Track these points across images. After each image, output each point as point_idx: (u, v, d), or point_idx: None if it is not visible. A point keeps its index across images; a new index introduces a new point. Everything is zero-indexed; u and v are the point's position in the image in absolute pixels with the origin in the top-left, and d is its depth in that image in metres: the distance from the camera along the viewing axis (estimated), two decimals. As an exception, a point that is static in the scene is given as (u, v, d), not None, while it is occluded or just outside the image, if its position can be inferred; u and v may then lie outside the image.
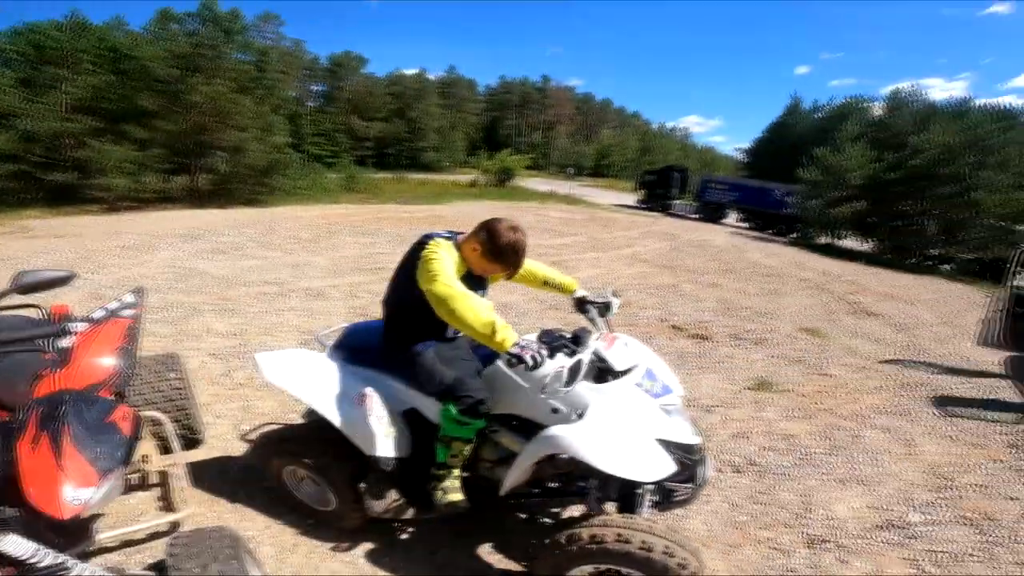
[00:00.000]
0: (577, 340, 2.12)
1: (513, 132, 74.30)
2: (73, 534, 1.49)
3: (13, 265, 6.29)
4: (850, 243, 22.33)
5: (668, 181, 30.84)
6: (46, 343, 2.02)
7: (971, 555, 2.78)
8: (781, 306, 8.14)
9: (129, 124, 14.61)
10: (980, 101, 34.63)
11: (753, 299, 8.37)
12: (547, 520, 2.53)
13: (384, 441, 2.07)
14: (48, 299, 2.29)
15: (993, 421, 4.67)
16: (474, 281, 2.18)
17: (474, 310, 1.82)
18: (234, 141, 15.85)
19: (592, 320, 2.56)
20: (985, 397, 5.31)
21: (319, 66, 56.77)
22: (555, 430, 1.93)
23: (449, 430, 2.06)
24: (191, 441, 2.79)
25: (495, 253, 2.10)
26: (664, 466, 1.92)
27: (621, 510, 2.11)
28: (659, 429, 2.06)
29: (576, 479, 2.24)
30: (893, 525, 2.97)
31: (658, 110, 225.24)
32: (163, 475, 2.56)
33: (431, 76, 68.10)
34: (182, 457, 2.42)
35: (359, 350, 2.42)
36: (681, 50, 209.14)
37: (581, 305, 2.64)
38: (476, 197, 23.37)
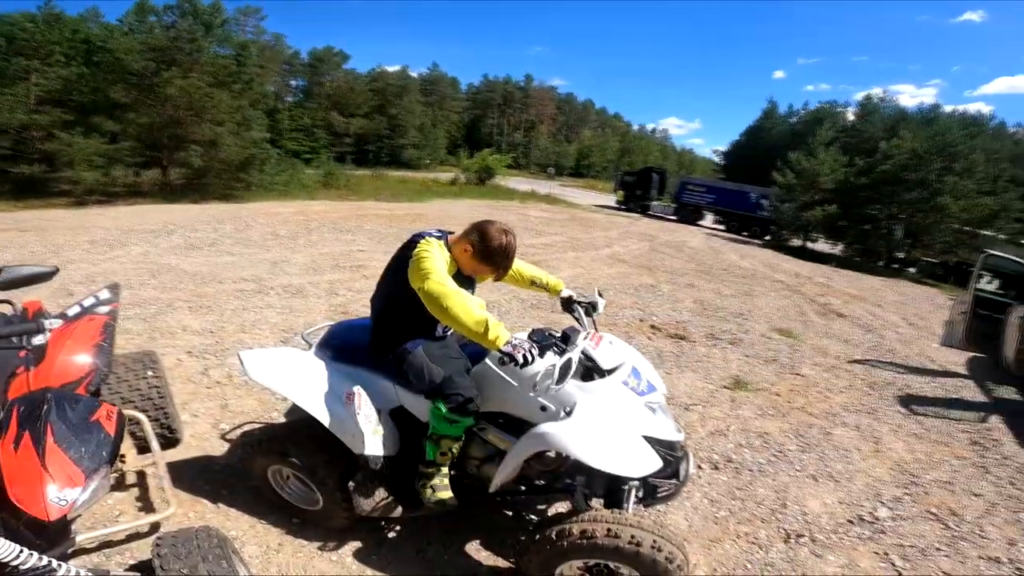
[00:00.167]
0: (566, 339, 2.15)
1: (494, 131, 74.26)
2: (53, 535, 1.46)
3: (-25, 259, 6.04)
4: (821, 246, 22.97)
5: (647, 182, 31.24)
6: (20, 340, 1.96)
7: (938, 549, 2.90)
8: (755, 307, 8.34)
9: (100, 117, 14.26)
10: (948, 108, 36.09)
11: (729, 300, 8.55)
12: (533, 517, 2.56)
13: (372, 440, 2.06)
14: (19, 295, 2.22)
15: (956, 420, 4.88)
16: (463, 281, 2.19)
17: (467, 308, 1.83)
18: (210, 135, 15.52)
19: (578, 319, 2.60)
20: (949, 396, 5.54)
21: (299, 61, 55.81)
22: (545, 427, 1.96)
23: (438, 428, 2.07)
24: (169, 440, 2.73)
25: (486, 255, 2.12)
26: (650, 462, 1.97)
27: (607, 506, 2.15)
28: (645, 426, 2.11)
29: (563, 476, 2.27)
30: (863, 520, 3.08)
31: (638, 111, 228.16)
32: (141, 475, 2.50)
33: (413, 73, 67.66)
34: (161, 457, 2.36)
35: (345, 348, 2.41)
36: (662, 52, 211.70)
37: (568, 305, 2.68)
38: (456, 195, 23.31)
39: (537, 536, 1.96)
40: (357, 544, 2.32)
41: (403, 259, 2.08)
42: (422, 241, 2.08)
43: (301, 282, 6.56)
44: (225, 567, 1.44)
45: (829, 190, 21.86)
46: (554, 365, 1.94)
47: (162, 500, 2.35)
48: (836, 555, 2.74)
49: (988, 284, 6.57)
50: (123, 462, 2.33)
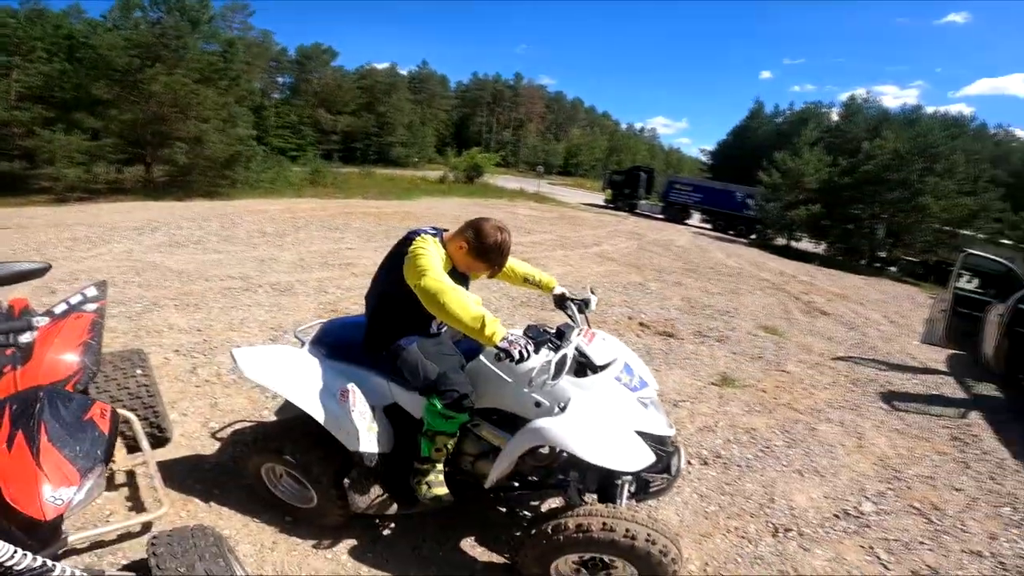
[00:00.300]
0: (561, 335, 2.17)
1: (483, 129, 74.09)
2: (45, 535, 1.44)
3: (-47, 256, 5.89)
4: (805, 245, 23.29)
5: (635, 181, 31.40)
6: (8, 338, 1.93)
7: (921, 543, 2.97)
8: (741, 305, 8.44)
9: (81, 113, 14.03)
10: (930, 109, 36.75)
11: (715, 298, 8.65)
12: (527, 513, 2.58)
13: (367, 437, 2.06)
14: (4, 293, 2.19)
15: (937, 415, 4.99)
16: (457, 278, 2.21)
17: (464, 305, 1.84)
18: (195, 132, 15.32)
19: (571, 316, 2.62)
20: (929, 393, 5.67)
21: (287, 58, 55.22)
22: (541, 422, 1.97)
23: (433, 424, 2.08)
24: (159, 440, 2.70)
25: (481, 252, 2.14)
26: (643, 456, 1.99)
27: (601, 501, 2.18)
28: (637, 421, 2.14)
29: (556, 472, 2.29)
30: (849, 514, 3.14)
31: (627, 110, 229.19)
32: (130, 475, 2.47)
33: (403, 71, 67.29)
34: (151, 456, 2.34)
35: (339, 346, 2.41)
36: (651, 52, 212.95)
37: (561, 302, 2.70)
38: (445, 194, 23.24)
39: (533, 531, 1.98)
40: (352, 542, 2.31)
41: (398, 256, 2.09)
42: (417, 238, 2.08)
43: (289, 280, 6.51)
44: (222, 565, 1.43)
45: (813, 190, 22.16)
46: (549, 361, 1.96)
47: (153, 500, 2.33)
48: (823, 549, 2.80)
49: (968, 283, 6.71)
50: (113, 461, 2.30)
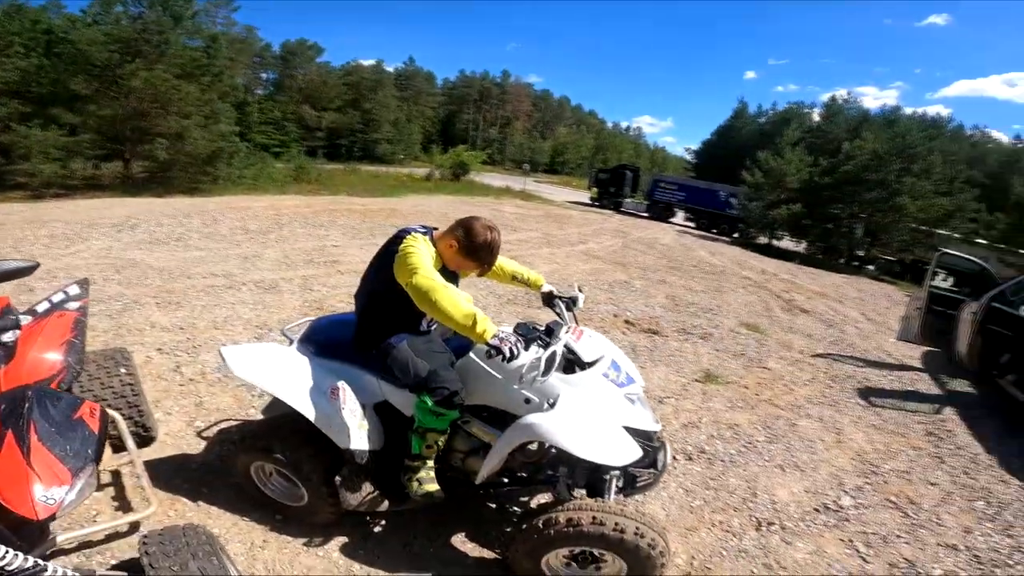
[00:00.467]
0: (550, 332, 2.20)
1: (470, 126, 73.87)
2: (34, 535, 1.43)
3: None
4: (787, 243, 23.66)
5: (620, 180, 31.58)
6: (-9, 337, 1.90)
7: (898, 536, 3.06)
8: (724, 302, 8.57)
9: (59, 109, 13.72)
10: (909, 110, 37.48)
11: (699, 296, 8.76)
12: (517, 509, 2.61)
13: (358, 434, 2.07)
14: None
15: (912, 411, 5.13)
16: (447, 276, 2.22)
17: (455, 302, 1.86)
18: (176, 128, 15.07)
19: (559, 314, 2.65)
20: (905, 389, 5.82)
21: (271, 54, 54.45)
22: (531, 418, 2.00)
23: (424, 421, 2.09)
24: (144, 439, 2.67)
25: (471, 251, 2.16)
26: (631, 451, 2.04)
27: (589, 496, 2.22)
28: (625, 417, 2.18)
29: (545, 468, 2.32)
30: (828, 508, 3.23)
31: (613, 109, 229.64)
32: (116, 474, 2.45)
33: (389, 68, 66.74)
34: (137, 455, 2.32)
35: (328, 343, 2.41)
36: (638, 51, 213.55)
37: (549, 299, 2.73)
38: (431, 191, 23.13)
39: (524, 526, 2.01)
40: (343, 539, 2.32)
41: (388, 255, 2.09)
42: (408, 237, 2.09)
43: (274, 277, 6.45)
44: (215, 564, 1.43)
45: (795, 189, 22.51)
46: (539, 358, 1.98)
47: (140, 499, 2.31)
48: (804, 542, 2.87)
49: (943, 281, 6.89)
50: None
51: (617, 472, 2.22)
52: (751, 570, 2.59)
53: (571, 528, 1.87)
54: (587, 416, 2.06)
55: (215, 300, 5.40)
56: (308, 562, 2.18)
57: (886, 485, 3.63)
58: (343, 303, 5.66)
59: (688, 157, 59.12)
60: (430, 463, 2.18)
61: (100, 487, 2.38)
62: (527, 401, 2.13)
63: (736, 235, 25.41)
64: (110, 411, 2.42)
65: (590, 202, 31.24)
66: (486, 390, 2.22)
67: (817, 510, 3.19)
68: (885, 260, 21.49)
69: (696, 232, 25.06)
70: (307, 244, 8.63)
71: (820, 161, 22.72)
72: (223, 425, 3.13)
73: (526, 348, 1.98)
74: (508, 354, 1.82)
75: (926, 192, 19.84)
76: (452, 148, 33.63)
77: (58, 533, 1.66)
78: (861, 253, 22.00)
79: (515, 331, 2.03)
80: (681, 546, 2.66)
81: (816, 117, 42.95)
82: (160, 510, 2.21)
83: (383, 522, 2.46)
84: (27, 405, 1.43)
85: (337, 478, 2.16)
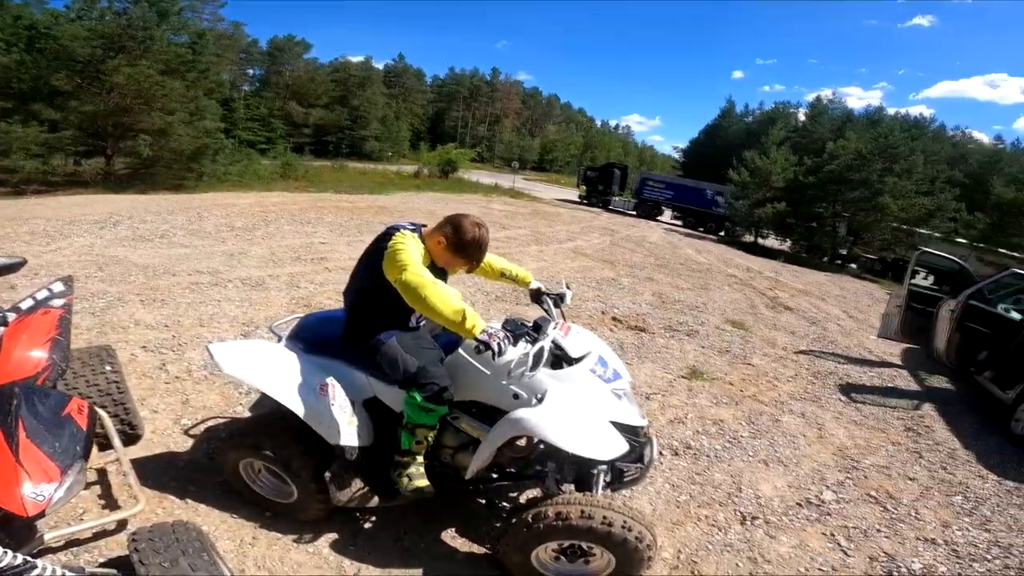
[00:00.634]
0: (538, 328, 2.23)
1: (459, 123, 73.64)
2: (21, 533, 1.42)
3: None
4: (772, 242, 23.96)
5: (609, 178, 31.70)
6: (-26, 334, 1.88)
7: (879, 531, 3.13)
8: (710, 300, 8.67)
9: (40, 104, 13.49)
10: (892, 111, 38.09)
11: (685, 293, 8.85)
12: (506, 505, 2.63)
13: (348, 430, 2.08)
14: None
15: (892, 407, 5.24)
16: (436, 272, 2.24)
17: (445, 298, 1.87)
18: (160, 124, 14.89)
19: (547, 310, 2.68)
20: (885, 385, 5.94)
21: (257, 50, 53.85)
22: (520, 413, 2.03)
23: (413, 417, 2.11)
24: (130, 437, 2.66)
25: (459, 247, 2.17)
26: (618, 446, 2.07)
27: (577, 491, 2.24)
28: (612, 412, 2.21)
29: (533, 463, 2.35)
30: (811, 503, 3.30)
31: (602, 107, 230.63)
32: (102, 472, 2.42)
33: (378, 64, 66.29)
34: (124, 453, 2.30)
35: (317, 340, 2.41)
36: (627, 50, 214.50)
37: (537, 296, 2.76)
38: (419, 188, 23.05)
39: (514, 520, 2.03)
40: (333, 535, 2.33)
41: (377, 252, 2.10)
42: (397, 234, 2.10)
43: (260, 275, 6.39)
44: (206, 560, 1.44)
45: (780, 188, 22.80)
46: (527, 353, 2.00)
47: (127, 497, 2.30)
48: (788, 536, 2.93)
49: (923, 280, 7.04)
50: (84, 459, 2.26)
51: (605, 467, 2.25)
52: (736, 564, 2.64)
53: (560, 522, 1.90)
54: (575, 411, 2.09)
55: (200, 297, 5.35)
56: (298, 558, 2.18)
57: (866, 480, 3.71)
58: (331, 300, 5.64)
59: (676, 156, 59.66)
60: (420, 459, 2.19)
61: (87, 485, 2.36)
62: (515, 396, 2.16)
63: (722, 233, 25.69)
64: (96, 409, 2.40)
65: (579, 200, 31.33)
66: (475, 386, 2.23)
67: (800, 505, 3.26)
68: (867, 258, 21.87)
69: (683, 230, 25.25)
70: (294, 241, 8.57)
71: (805, 160, 23.04)
72: (210, 423, 3.11)
73: (514, 344, 2.00)
74: (496, 350, 1.84)
75: (907, 192, 20.20)
76: (441, 145, 33.56)
77: (45, 531, 1.64)
78: (844, 251, 22.37)
79: (503, 327, 2.05)
80: (668, 540, 2.71)
81: (801, 117, 43.55)
82: (148, 508, 2.20)
83: (373, 518, 2.47)
84: (15, 402, 1.42)
85: (327, 474, 2.16)
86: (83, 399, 2.41)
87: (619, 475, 2.36)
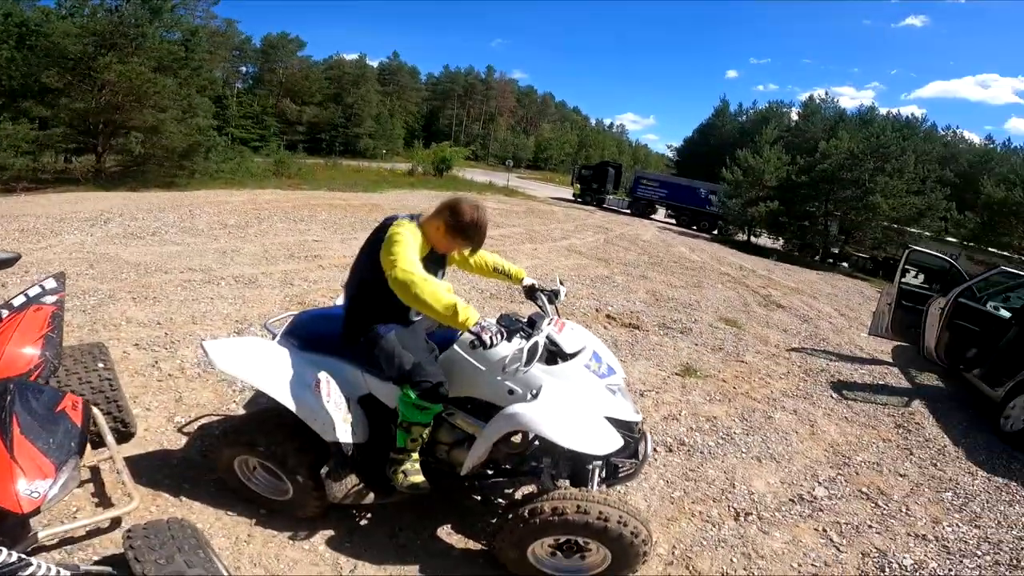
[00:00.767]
0: (532, 324, 2.23)
1: (453, 122, 73.52)
2: (15, 531, 1.41)
3: None
4: (764, 240, 24.10)
5: (603, 176, 31.74)
6: (-35, 331, 1.86)
7: (870, 527, 3.16)
8: (703, 298, 8.71)
9: (30, 102, 13.37)
10: (884, 110, 38.36)
11: (679, 291, 8.89)
12: (501, 501, 2.64)
13: (343, 427, 2.08)
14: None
15: (883, 404, 5.29)
16: (435, 261, 2.23)
17: (435, 293, 1.86)
18: (152, 122, 14.78)
19: (542, 307, 2.68)
20: (876, 382, 5.99)
21: (251, 47, 53.59)
22: (515, 408, 2.03)
23: (408, 415, 2.10)
24: (123, 435, 2.65)
25: (458, 229, 2.15)
26: (613, 441, 2.08)
27: (572, 486, 2.25)
28: (606, 407, 2.22)
29: (528, 459, 2.35)
30: (803, 499, 3.33)
31: (597, 106, 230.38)
32: (95, 470, 2.41)
33: (372, 62, 66.02)
34: (117, 451, 2.29)
35: (311, 337, 2.40)
36: (622, 49, 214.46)
37: (531, 292, 2.76)
38: (413, 186, 23.00)
39: (509, 516, 2.04)
40: (329, 532, 2.32)
41: (376, 243, 2.08)
42: (394, 224, 2.09)
43: (253, 272, 6.36)
44: (202, 556, 1.43)
45: (773, 187, 22.94)
46: (522, 348, 2.00)
47: (120, 495, 2.28)
48: (781, 532, 2.96)
49: (913, 278, 7.10)
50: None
51: (600, 462, 2.26)
52: (731, 559, 2.66)
53: (556, 517, 1.91)
54: (570, 406, 2.09)
55: (193, 295, 5.32)
56: (294, 556, 2.18)
57: (858, 476, 3.74)
58: (324, 298, 5.62)
59: (670, 154, 59.92)
60: (415, 455, 2.19)
61: (80, 483, 2.35)
62: (510, 392, 2.16)
63: (716, 232, 25.80)
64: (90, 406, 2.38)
65: (573, 198, 31.36)
66: (470, 382, 2.24)
67: (793, 500, 3.28)
68: (858, 257, 22.06)
69: (677, 229, 25.35)
70: (287, 239, 8.53)
71: (797, 160, 23.19)
72: (203, 420, 3.09)
73: (508, 339, 2.00)
74: (488, 342, 1.84)
75: (899, 191, 20.37)
76: (435, 144, 33.52)
77: (39, 529, 1.63)
78: (835, 250, 22.55)
79: (498, 322, 2.05)
80: (663, 536, 2.72)
81: (795, 116, 43.78)
82: (142, 506, 2.19)
83: (369, 515, 2.47)
84: (9, 398, 1.41)
85: (323, 471, 2.16)
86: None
87: (614, 471, 2.37)
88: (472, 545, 2.42)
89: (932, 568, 2.87)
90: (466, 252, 2.34)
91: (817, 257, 21.79)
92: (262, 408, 2.84)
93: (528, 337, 2.13)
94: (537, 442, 2.35)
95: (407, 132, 61.89)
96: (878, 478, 3.77)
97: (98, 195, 11.92)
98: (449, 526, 2.51)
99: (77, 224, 7.97)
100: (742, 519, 3.00)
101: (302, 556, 2.19)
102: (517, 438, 2.29)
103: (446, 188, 23.97)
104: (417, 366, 2.10)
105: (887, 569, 2.80)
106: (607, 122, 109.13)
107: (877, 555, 2.90)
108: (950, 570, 2.89)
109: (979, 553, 3.07)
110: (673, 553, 2.62)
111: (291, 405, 2.08)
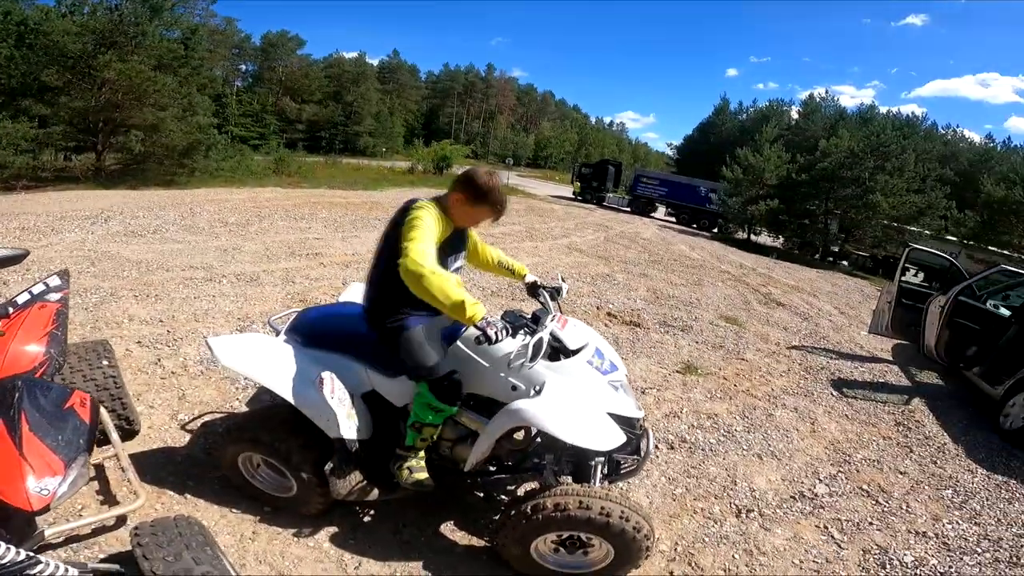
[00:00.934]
0: (536, 320, 2.24)
1: (453, 120, 73.46)
2: (22, 529, 1.42)
3: None
4: (764, 238, 24.09)
5: (603, 174, 31.69)
6: (-28, 328, 1.87)
7: (870, 524, 3.17)
8: (704, 296, 8.71)
9: (29, 100, 13.37)
10: (884, 109, 38.32)
11: (679, 289, 8.89)
12: (504, 498, 2.65)
13: (347, 423, 2.09)
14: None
15: (883, 402, 5.30)
16: (453, 245, 2.22)
17: (443, 287, 1.85)
18: (151, 120, 14.78)
19: (544, 303, 2.68)
20: (876, 380, 6.00)
21: (250, 45, 53.57)
22: (519, 404, 2.04)
23: (421, 416, 2.11)
24: (127, 432, 2.66)
25: (479, 196, 2.14)
26: (615, 437, 2.09)
27: (575, 483, 2.26)
28: (609, 403, 2.23)
29: (531, 456, 2.36)
30: (804, 496, 3.34)
31: (597, 105, 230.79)
32: (99, 468, 2.42)
33: (372, 60, 65.99)
34: (122, 448, 2.30)
35: (315, 334, 2.41)
36: (622, 47, 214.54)
37: (533, 289, 2.76)
38: (413, 184, 22.97)
39: (512, 512, 2.05)
40: (333, 529, 2.34)
41: (399, 225, 2.06)
42: (413, 207, 2.08)
43: (255, 270, 6.37)
44: (209, 553, 1.44)
45: (773, 186, 22.91)
46: (526, 344, 2.01)
47: (125, 492, 2.29)
48: (783, 528, 2.97)
49: (913, 276, 7.10)
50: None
51: (602, 458, 2.27)
52: (733, 555, 2.68)
53: (559, 513, 1.92)
54: (573, 402, 2.10)
55: (195, 293, 5.32)
56: (299, 552, 2.19)
57: (858, 473, 3.75)
58: (326, 295, 5.62)
59: (670, 153, 59.87)
60: (421, 453, 2.20)
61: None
62: (514, 388, 2.17)
63: (716, 230, 25.79)
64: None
65: (573, 196, 31.33)
66: (474, 378, 2.24)
67: (794, 498, 3.30)
68: (858, 255, 22.05)
69: (677, 227, 25.32)
70: (288, 237, 8.53)
71: (797, 158, 23.16)
72: (207, 418, 3.10)
73: (513, 335, 2.01)
74: (492, 338, 1.84)
75: (899, 189, 20.35)
76: (435, 142, 33.50)
77: (45, 527, 1.64)
78: (835, 249, 22.54)
79: (503, 318, 2.06)
80: (665, 532, 2.74)
81: (795, 115, 43.72)
82: (147, 503, 2.20)
83: (372, 512, 2.48)
84: (17, 395, 1.41)
85: (328, 466, 2.17)
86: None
87: (616, 467, 2.38)
88: (475, 542, 2.43)
89: (932, 565, 2.89)
90: (489, 221, 2.30)
91: (817, 255, 21.79)
92: (266, 405, 2.85)
93: (532, 333, 2.14)
94: (539, 439, 2.36)
95: (407, 130, 61.89)
96: (878, 475, 3.78)
97: (98, 193, 11.92)
98: (452, 523, 2.52)
99: (78, 222, 7.97)
100: (744, 516, 3.02)
101: (307, 553, 2.20)
102: (520, 434, 2.29)
103: (446, 186, 23.89)
104: (439, 364, 2.11)
105: (888, 566, 2.82)
106: (607, 120, 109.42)
107: (878, 552, 2.92)
108: (950, 567, 2.90)
109: (979, 550, 3.08)
110: (675, 549, 2.64)
111: (295, 401, 2.09)
